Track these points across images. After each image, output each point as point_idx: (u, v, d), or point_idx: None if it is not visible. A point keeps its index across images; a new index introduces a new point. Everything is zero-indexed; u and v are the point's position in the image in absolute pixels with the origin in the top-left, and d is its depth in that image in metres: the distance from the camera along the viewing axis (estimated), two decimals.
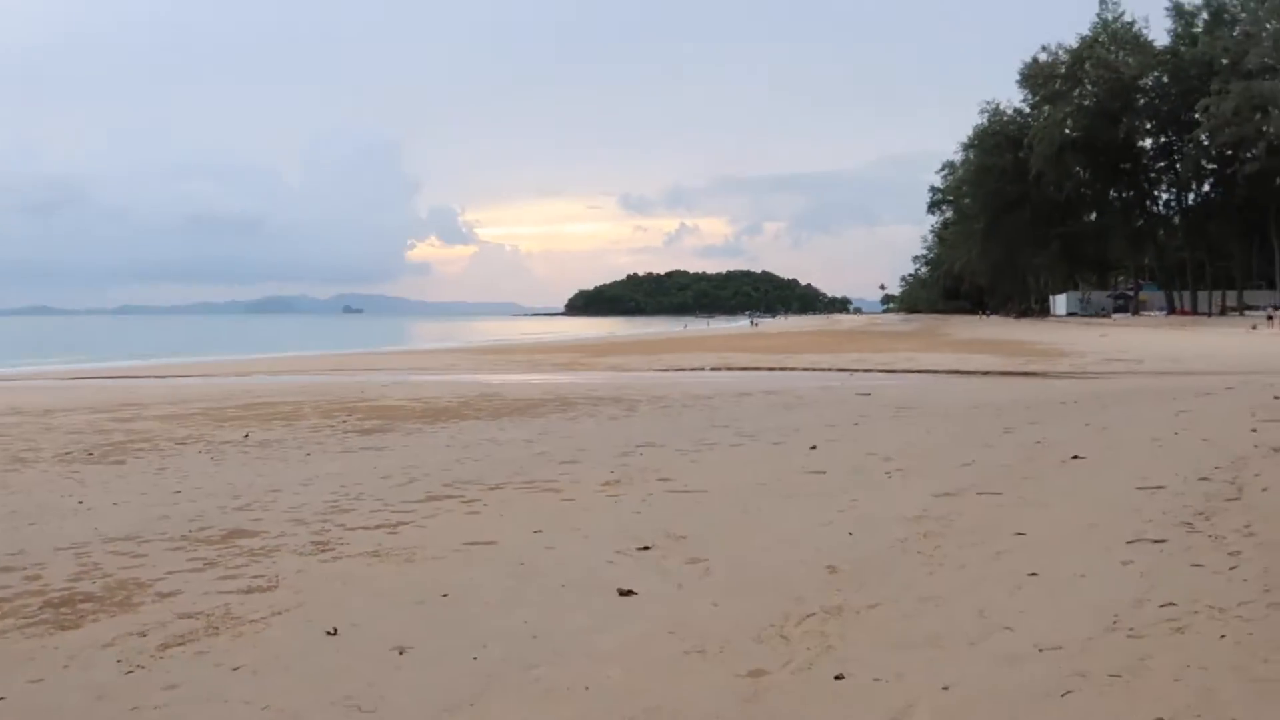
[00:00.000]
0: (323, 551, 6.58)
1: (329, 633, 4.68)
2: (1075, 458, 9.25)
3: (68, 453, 12.51)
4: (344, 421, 15.38)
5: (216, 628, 4.85)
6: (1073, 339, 46.15)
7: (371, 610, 5.06)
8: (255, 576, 5.91)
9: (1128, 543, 5.80)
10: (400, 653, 4.35)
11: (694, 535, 6.52)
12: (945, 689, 3.74)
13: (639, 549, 6.19)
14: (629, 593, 5.15)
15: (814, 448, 10.92)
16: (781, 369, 29.77)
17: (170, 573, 6.11)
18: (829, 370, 28.71)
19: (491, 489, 8.93)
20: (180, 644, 4.61)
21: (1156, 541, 5.80)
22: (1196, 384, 19.39)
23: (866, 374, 26.99)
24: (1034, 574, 5.11)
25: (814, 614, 4.59)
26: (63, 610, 5.31)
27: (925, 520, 6.64)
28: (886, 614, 4.59)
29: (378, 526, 7.36)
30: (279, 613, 5.06)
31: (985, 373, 27.44)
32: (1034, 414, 14.24)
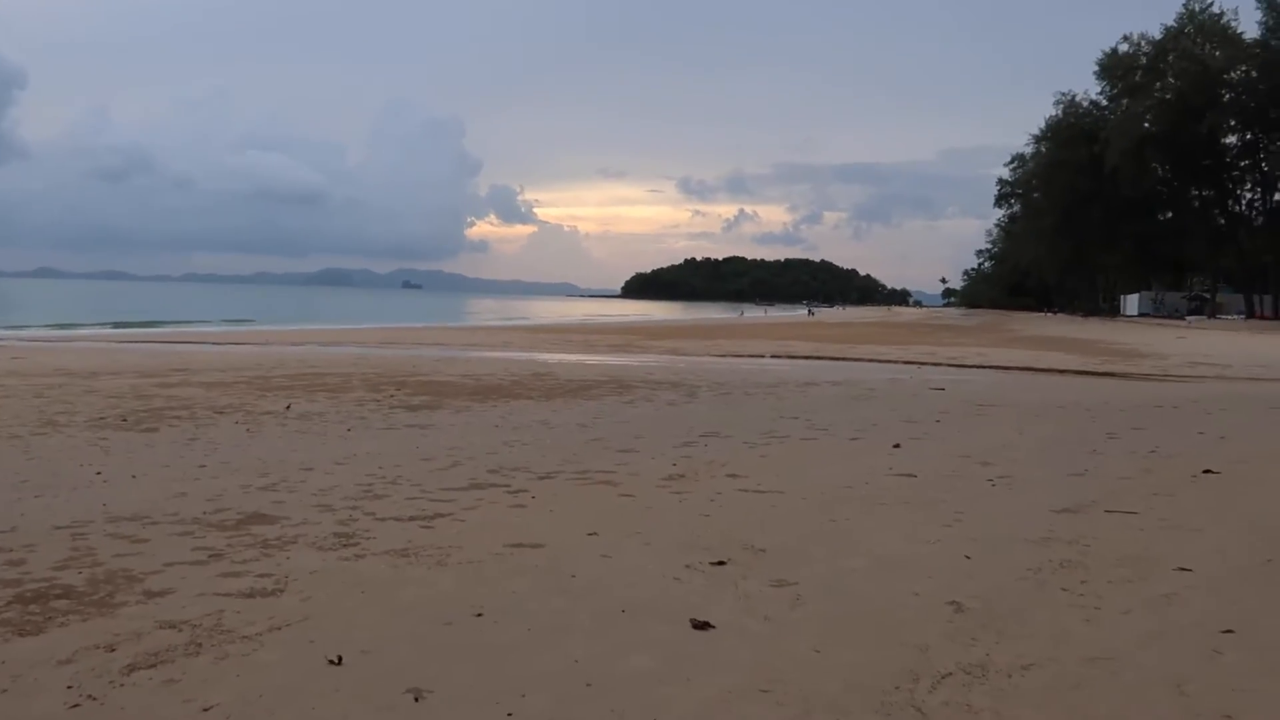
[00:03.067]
0: (345, 546, 5.71)
1: (331, 661, 3.77)
2: (1208, 472, 8.09)
3: (102, 418, 11.92)
4: (391, 396, 14.64)
5: (199, 644, 3.97)
6: (1149, 340, 44.12)
7: (388, 631, 4.14)
8: (262, 575, 5.05)
9: None
10: (415, 698, 3.40)
11: (776, 548, 5.52)
12: None
13: (712, 563, 5.19)
14: (705, 625, 4.16)
15: (898, 446, 9.87)
16: (845, 359, 28.59)
17: (168, 565, 5.28)
18: (896, 362, 27.43)
19: (541, 478, 8.03)
20: (151, 665, 3.73)
21: None
22: None
23: (936, 367, 25.69)
24: (1229, 631, 4.03)
25: (950, 674, 3.55)
26: (31, 608, 4.49)
27: (1055, 543, 5.55)
28: (1048, 681, 3.53)
29: (411, 518, 6.48)
30: (278, 628, 4.16)
31: (1062, 371, 25.98)
32: (1132, 418, 13.00)
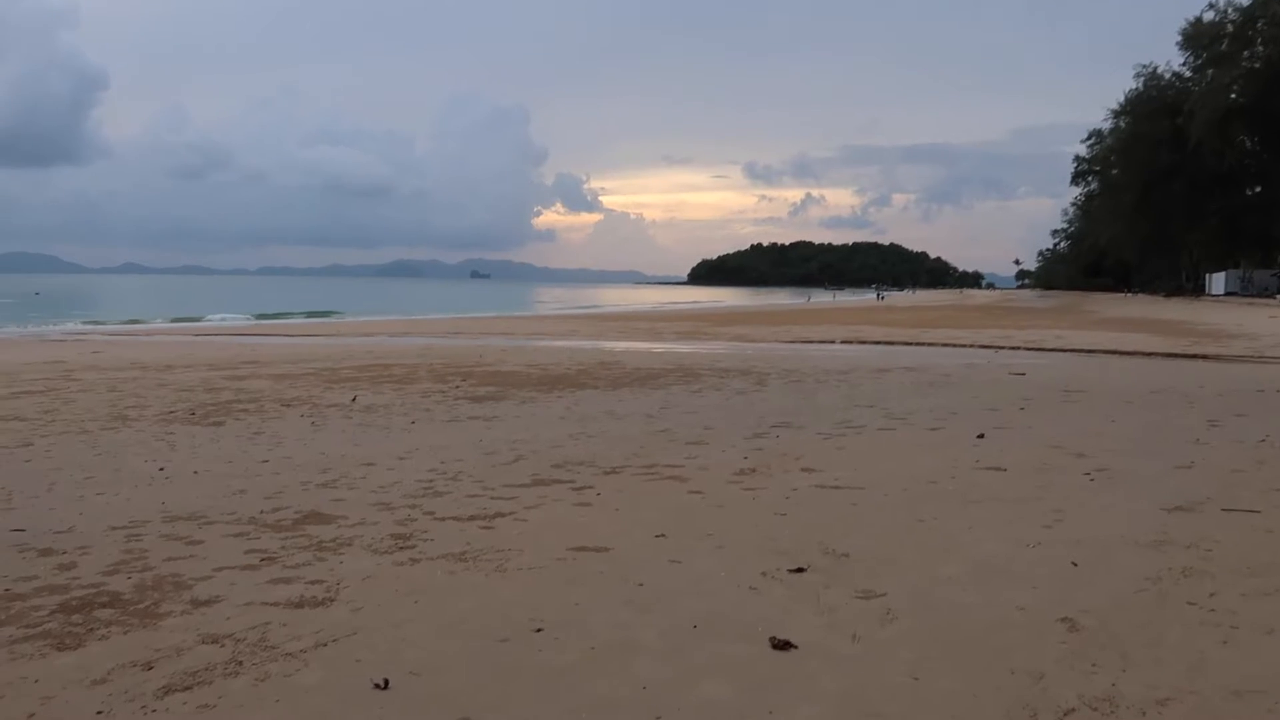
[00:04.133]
0: (401, 549, 5.43)
1: (377, 685, 3.46)
2: None
3: (171, 411, 11.92)
4: (457, 387, 14.48)
5: (240, 663, 3.70)
6: (1238, 320, 42.31)
7: (440, 648, 3.83)
8: (313, 582, 4.78)
9: None
10: None
11: (859, 553, 5.09)
12: None
13: (791, 570, 4.79)
14: (786, 645, 3.77)
15: (982, 436, 9.34)
16: (918, 344, 27.79)
17: (219, 569, 5.06)
18: (970, 346, 26.58)
19: (607, 473, 7.70)
20: (187, 687, 3.47)
21: None
22: None
23: (1013, 351, 24.78)
24: None
25: (1074, 710, 3.11)
26: (74, 619, 4.27)
27: (1170, 548, 5.04)
28: (1189, 719, 3.08)
29: (471, 518, 6.19)
30: (324, 644, 3.88)
31: (1149, 354, 24.88)
32: (1232, 404, 12.24)
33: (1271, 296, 73.12)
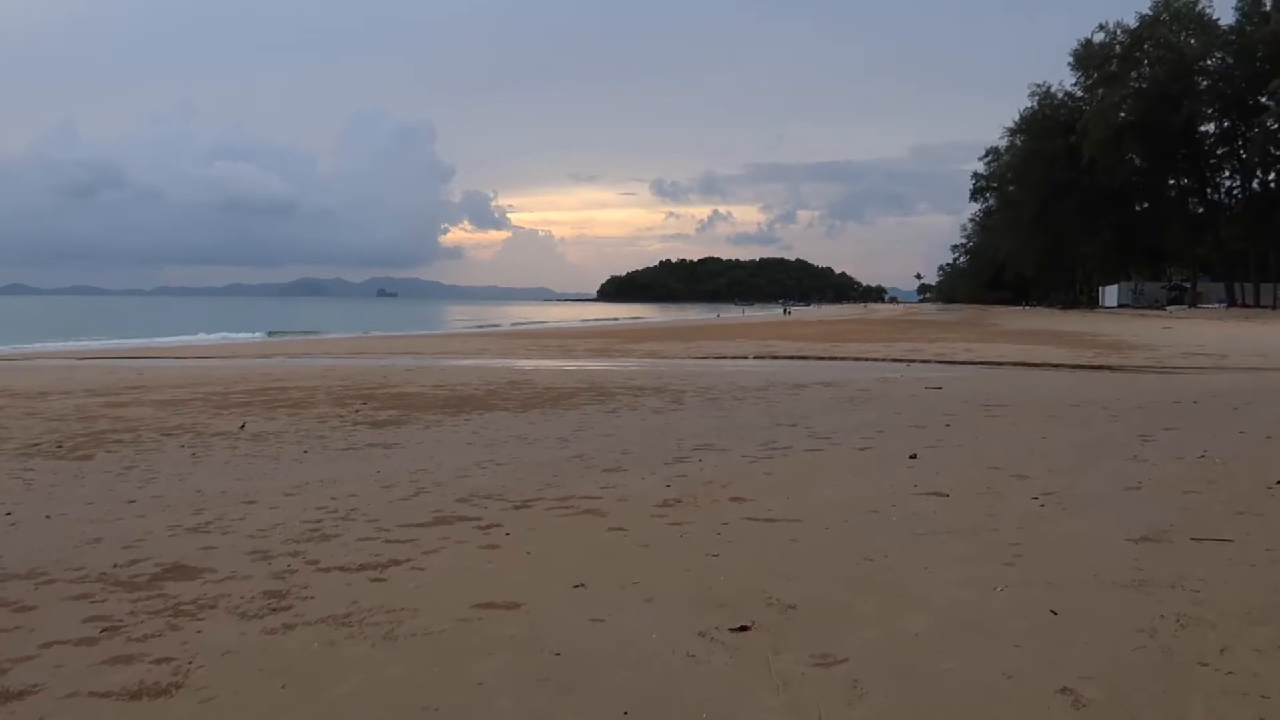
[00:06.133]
0: (275, 611, 4.61)
1: None
2: None
3: (35, 444, 10.79)
4: (357, 411, 13.55)
5: None
6: (1135, 331, 43.47)
7: None
8: (160, 660, 3.94)
9: None
10: None
11: (808, 603, 4.44)
12: None
13: (733, 629, 4.11)
14: None
15: (914, 456, 8.85)
16: (831, 358, 27.64)
17: (47, 645, 4.18)
18: (883, 360, 26.49)
19: (517, 508, 6.96)
20: None
21: None
22: None
23: (925, 365, 24.71)
24: None
25: None
26: None
27: (1155, 589, 4.49)
28: None
29: (360, 567, 5.40)
30: None
31: (1056, 365, 25.06)
32: (1156, 417, 12.05)
33: (1162, 308, 75.80)
